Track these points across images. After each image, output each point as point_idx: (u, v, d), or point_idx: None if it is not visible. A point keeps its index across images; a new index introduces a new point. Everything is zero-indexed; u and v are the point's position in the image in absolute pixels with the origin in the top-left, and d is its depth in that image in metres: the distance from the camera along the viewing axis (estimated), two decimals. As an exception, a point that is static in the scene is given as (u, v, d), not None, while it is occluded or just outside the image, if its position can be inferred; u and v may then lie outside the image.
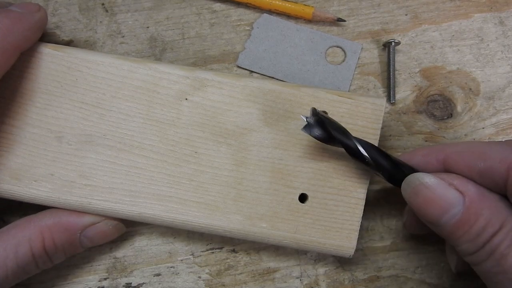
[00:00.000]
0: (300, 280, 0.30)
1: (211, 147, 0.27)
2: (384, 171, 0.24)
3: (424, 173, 0.24)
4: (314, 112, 0.25)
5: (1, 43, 0.25)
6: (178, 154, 0.27)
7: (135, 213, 0.26)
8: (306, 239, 0.26)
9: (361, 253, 0.30)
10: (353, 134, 0.25)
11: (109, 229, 0.28)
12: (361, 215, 0.27)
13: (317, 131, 0.24)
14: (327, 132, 0.24)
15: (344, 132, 0.24)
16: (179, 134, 0.27)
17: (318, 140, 0.24)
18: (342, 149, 0.25)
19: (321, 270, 0.30)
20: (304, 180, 0.27)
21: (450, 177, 0.23)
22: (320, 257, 0.30)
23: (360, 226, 0.27)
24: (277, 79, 0.32)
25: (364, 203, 0.27)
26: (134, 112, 0.27)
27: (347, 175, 0.27)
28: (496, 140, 0.24)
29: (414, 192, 0.23)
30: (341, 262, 0.30)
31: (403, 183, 0.24)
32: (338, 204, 0.27)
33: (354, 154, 0.24)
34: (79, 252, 0.28)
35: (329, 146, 0.26)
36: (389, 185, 0.31)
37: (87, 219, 0.27)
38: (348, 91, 0.31)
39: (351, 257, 0.27)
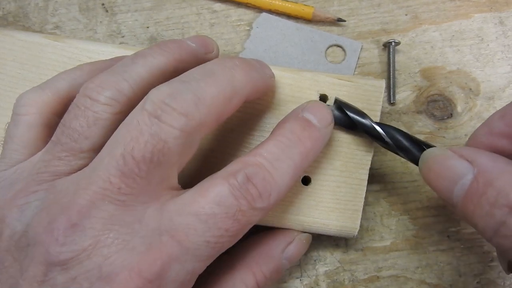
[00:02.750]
0: (300, 280, 0.30)
1: (214, 132, 0.27)
2: (404, 151, 0.24)
3: (436, 148, 0.23)
4: (335, 100, 0.26)
5: (297, 173, 0.23)
6: None
7: None
8: (310, 221, 0.27)
9: (361, 253, 0.30)
10: None
11: (303, 244, 0.27)
12: (364, 195, 0.27)
13: (338, 117, 0.26)
14: (347, 117, 0.26)
15: (362, 114, 0.25)
16: None
17: (340, 125, 0.26)
18: (359, 135, 0.26)
19: (321, 270, 0.30)
20: None
21: (461, 148, 0.22)
22: (320, 257, 0.30)
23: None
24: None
25: (366, 184, 0.27)
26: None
27: (348, 157, 0.27)
28: None
29: (427, 168, 0.22)
30: (341, 262, 0.30)
31: (419, 162, 0.23)
32: (341, 186, 0.27)
33: (373, 135, 0.25)
34: (279, 277, 0.27)
35: (349, 134, 0.27)
36: (389, 185, 0.31)
37: (283, 239, 0.26)
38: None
39: (355, 237, 0.27)
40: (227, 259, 0.25)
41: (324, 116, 0.24)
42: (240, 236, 0.21)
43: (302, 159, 0.23)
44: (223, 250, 0.21)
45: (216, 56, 0.26)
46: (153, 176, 0.20)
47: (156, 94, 0.20)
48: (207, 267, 0.24)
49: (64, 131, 0.22)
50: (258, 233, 0.27)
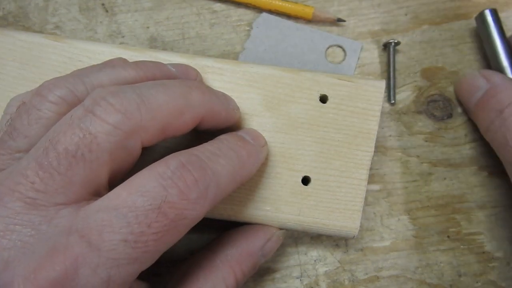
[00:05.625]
0: (300, 280, 0.30)
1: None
2: None
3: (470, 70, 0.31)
4: None
5: (235, 175, 0.21)
6: None
7: None
8: (310, 221, 0.27)
9: (361, 253, 0.30)
10: (354, 116, 0.27)
11: (280, 240, 0.27)
12: (364, 195, 0.27)
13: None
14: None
15: None
16: None
17: None
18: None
19: (321, 270, 0.30)
20: (306, 162, 0.27)
21: (484, 70, 0.30)
22: (320, 257, 0.30)
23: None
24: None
25: (366, 184, 0.27)
26: None
27: (348, 157, 0.27)
28: None
29: (459, 83, 0.31)
30: (341, 262, 0.30)
31: (457, 79, 0.32)
32: (341, 186, 0.27)
33: None
34: (254, 273, 0.27)
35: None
36: (389, 185, 0.31)
37: (263, 236, 0.26)
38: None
39: (355, 237, 0.27)
40: (208, 255, 0.25)
41: (258, 136, 0.25)
42: (172, 239, 0.19)
43: (240, 166, 0.22)
44: (152, 256, 0.18)
45: None
46: (75, 174, 0.18)
47: (99, 91, 0.19)
48: (188, 260, 0.24)
49: (7, 129, 0.20)
50: (237, 227, 0.27)
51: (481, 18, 0.31)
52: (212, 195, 0.20)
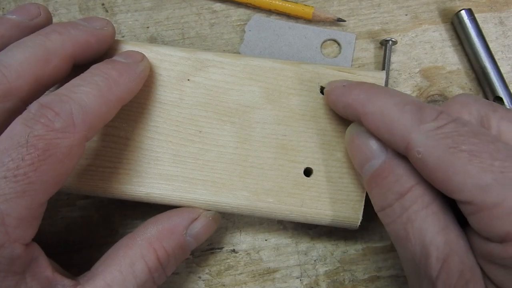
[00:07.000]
0: (300, 280, 0.30)
1: (215, 126, 0.27)
2: None
3: (361, 125, 0.24)
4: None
5: (107, 95, 0.23)
6: (183, 134, 0.27)
7: (143, 194, 0.27)
8: (312, 212, 0.27)
9: (361, 253, 0.30)
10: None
11: (210, 221, 0.27)
12: None
13: None
14: None
15: None
16: (183, 114, 0.27)
17: None
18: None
19: (321, 270, 0.30)
20: (308, 154, 0.27)
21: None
22: (320, 257, 0.30)
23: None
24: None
25: None
26: (137, 94, 0.27)
27: None
28: (416, 99, 0.22)
29: (350, 140, 0.25)
30: (341, 262, 0.30)
31: (347, 130, 0.26)
32: (343, 177, 0.27)
33: None
34: (187, 256, 0.27)
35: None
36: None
37: (187, 215, 0.26)
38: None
39: (357, 227, 0.27)
40: (130, 235, 0.25)
41: (132, 54, 0.26)
42: (55, 167, 0.20)
43: (110, 85, 0.23)
44: (42, 187, 0.20)
45: (46, 19, 0.26)
46: None
47: None
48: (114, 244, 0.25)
49: None
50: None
51: (458, 19, 0.32)
52: (80, 120, 0.21)
